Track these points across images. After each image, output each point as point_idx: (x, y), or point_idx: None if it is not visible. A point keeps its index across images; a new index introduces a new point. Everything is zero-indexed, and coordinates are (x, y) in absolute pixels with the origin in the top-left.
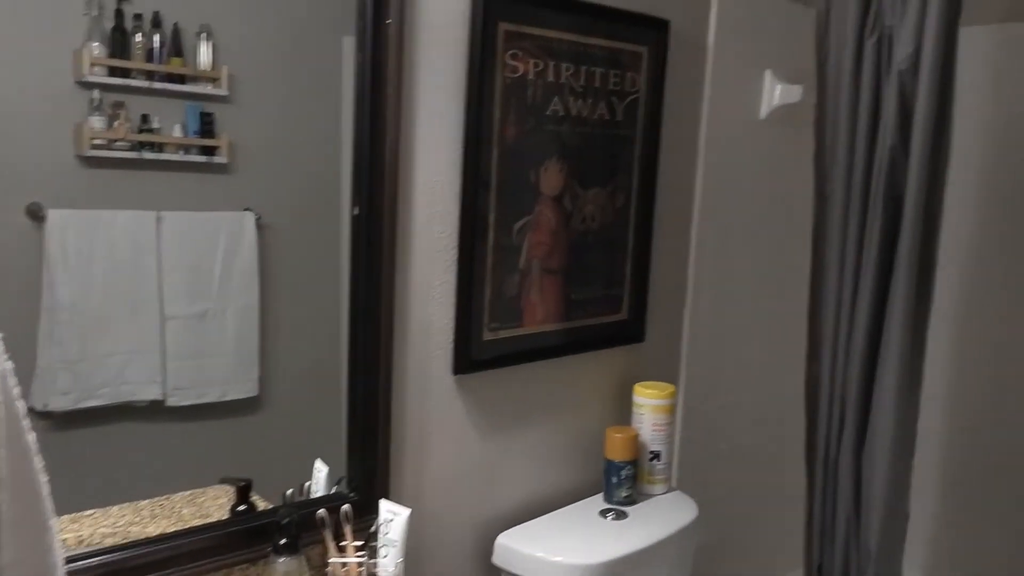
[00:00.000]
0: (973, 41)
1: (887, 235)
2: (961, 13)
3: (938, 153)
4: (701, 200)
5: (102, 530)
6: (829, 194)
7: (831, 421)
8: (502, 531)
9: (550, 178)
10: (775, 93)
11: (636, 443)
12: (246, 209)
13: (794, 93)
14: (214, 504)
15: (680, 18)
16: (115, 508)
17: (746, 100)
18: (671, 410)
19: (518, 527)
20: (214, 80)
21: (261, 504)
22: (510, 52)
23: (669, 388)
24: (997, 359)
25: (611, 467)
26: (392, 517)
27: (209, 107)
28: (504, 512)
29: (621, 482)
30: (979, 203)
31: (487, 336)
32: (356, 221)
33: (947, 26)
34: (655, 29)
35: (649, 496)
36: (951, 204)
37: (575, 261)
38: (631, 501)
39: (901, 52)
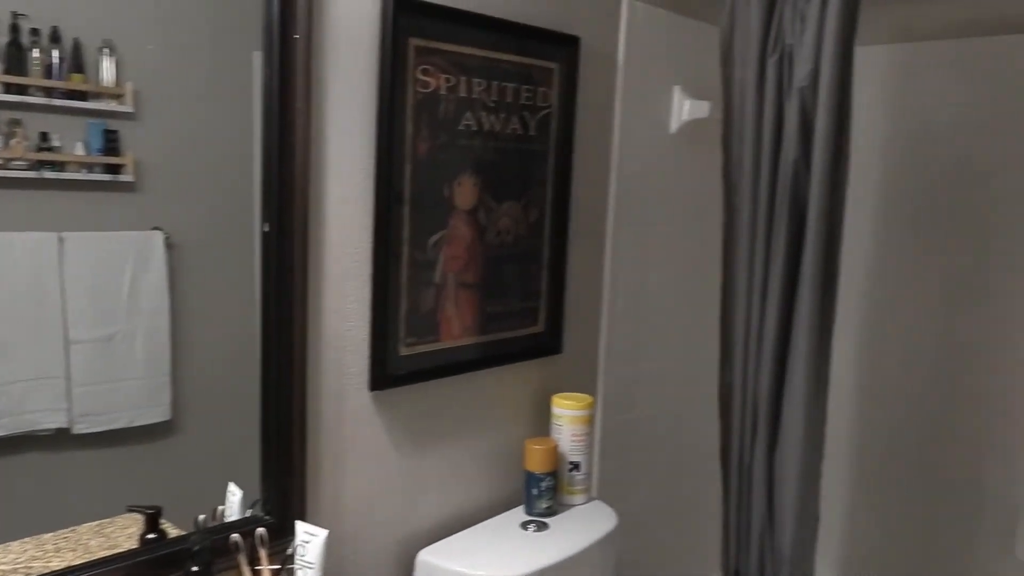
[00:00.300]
0: (869, 60)
1: (792, 245)
2: (856, 33)
3: (838, 166)
4: (615, 213)
5: (1, 567)
6: (737, 206)
7: (744, 427)
8: (423, 548)
9: (464, 192)
10: (684, 108)
11: (555, 454)
12: (154, 228)
13: (702, 109)
14: (123, 534)
15: (590, 35)
16: (16, 543)
17: (656, 115)
18: (589, 421)
19: (439, 543)
20: (118, 97)
21: (173, 531)
22: (421, 67)
23: (587, 399)
24: (900, 361)
25: (531, 479)
26: (309, 539)
27: (113, 124)
28: (425, 528)
29: (541, 494)
30: (878, 213)
31: (404, 351)
32: (266, 238)
33: (843, 45)
34: (565, 45)
35: (569, 507)
36: (852, 214)
37: (491, 275)
38: (552, 512)
39: (801, 70)
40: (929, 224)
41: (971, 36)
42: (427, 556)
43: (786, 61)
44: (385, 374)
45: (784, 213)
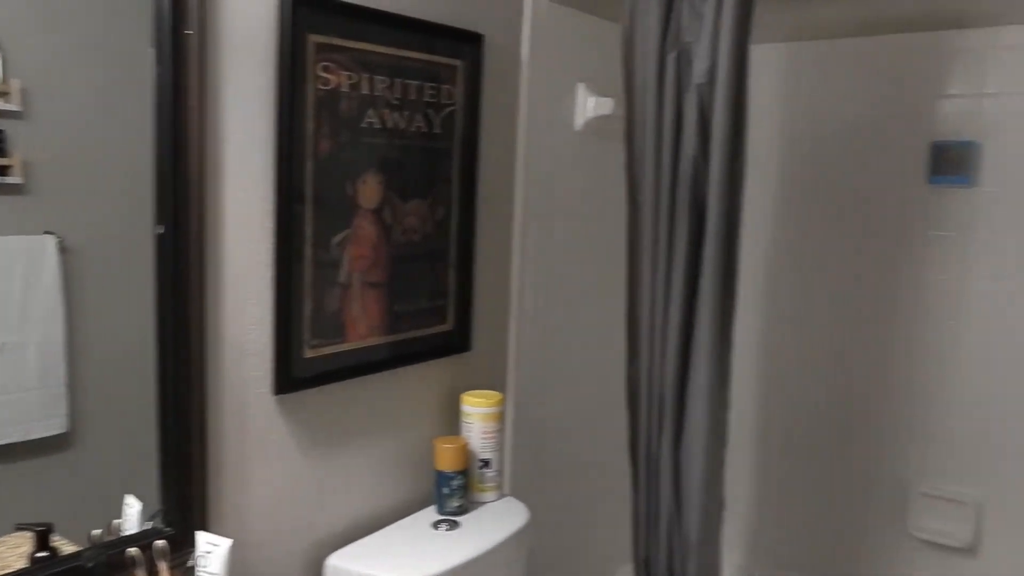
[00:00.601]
0: (766, 58)
1: (693, 239)
2: (751, 31)
3: (736, 162)
4: (522, 209)
5: None
6: (640, 202)
7: (651, 419)
8: (333, 552)
9: (368, 191)
10: (589, 105)
11: (465, 452)
12: (46, 232)
13: (606, 106)
14: (13, 553)
15: (494, 32)
16: None
17: (562, 112)
18: (499, 418)
19: (349, 547)
20: (4, 95)
21: (67, 548)
22: (321, 64)
23: (496, 396)
24: (798, 352)
25: (441, 478)
26: (211, 549)
27: None
28: (335, 532)
29: (452, 492)
30: (776, 209)
31: (309, 353)
32: (161, 240)
33: (739, 42)
34: (469, 43)
35: (481, 504)
36: (752, 210)
37: (397, 274)
38: (463, 510)
39: (699, 67)
40: (824, 220)
41: (863, 35)
42: (336, 561)
43: (684, 58)
44: (290, 377)
45: (685, 209)
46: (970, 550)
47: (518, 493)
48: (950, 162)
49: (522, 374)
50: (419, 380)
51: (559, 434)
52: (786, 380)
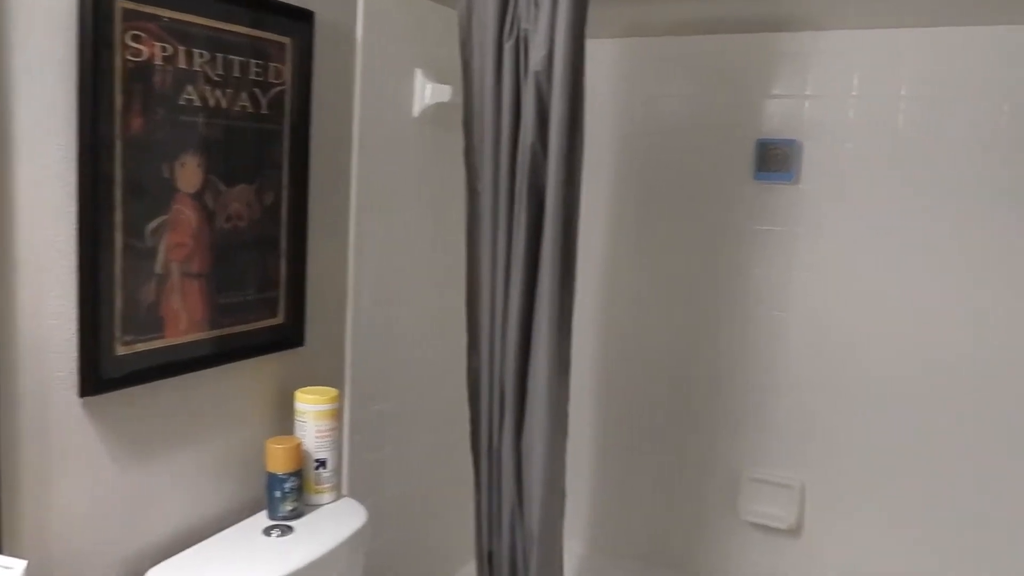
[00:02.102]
0: (602, 52)
1: (532, 228)
2: (586, 19)
3: (573, 151)
4: (358, 197)
5: None
6: (479, 191)
7: (492, 411)
8: (152, 567)
9: (187, 174)
10: (426, 92)
11: (299, 452)
12: None
13: (444, 92)
14: None
15: (326, 10)
16: None
17: (399, 97)
18: (336, 415)
19: (171, 560)
20: None
21: None
22: (131, 33)
23: (332, 392)
24: (636, 342)
25: (273, 481)
26: (4, 573)
27: None
28: (155, 545)
29: (285, 495)
30: (612, 200)
31: (121, 351)
32: None
33: (575, 32)
34: (299, 20)
35: (317, 506)
36: (589, 200)
37: (222, 264)
38: (297, 514)
39: (536, 55)
40: (659, 213)
41: (697, 34)
42: (157, 575)
43: (522, 46)
44: (98, 377)
45: (524, 198)
46: (794, 531)
47: (357, 493)
48: (774, 159)
49: (359, 369)
50: (248, 377)
51: (399, 430)
52: (622, 370)
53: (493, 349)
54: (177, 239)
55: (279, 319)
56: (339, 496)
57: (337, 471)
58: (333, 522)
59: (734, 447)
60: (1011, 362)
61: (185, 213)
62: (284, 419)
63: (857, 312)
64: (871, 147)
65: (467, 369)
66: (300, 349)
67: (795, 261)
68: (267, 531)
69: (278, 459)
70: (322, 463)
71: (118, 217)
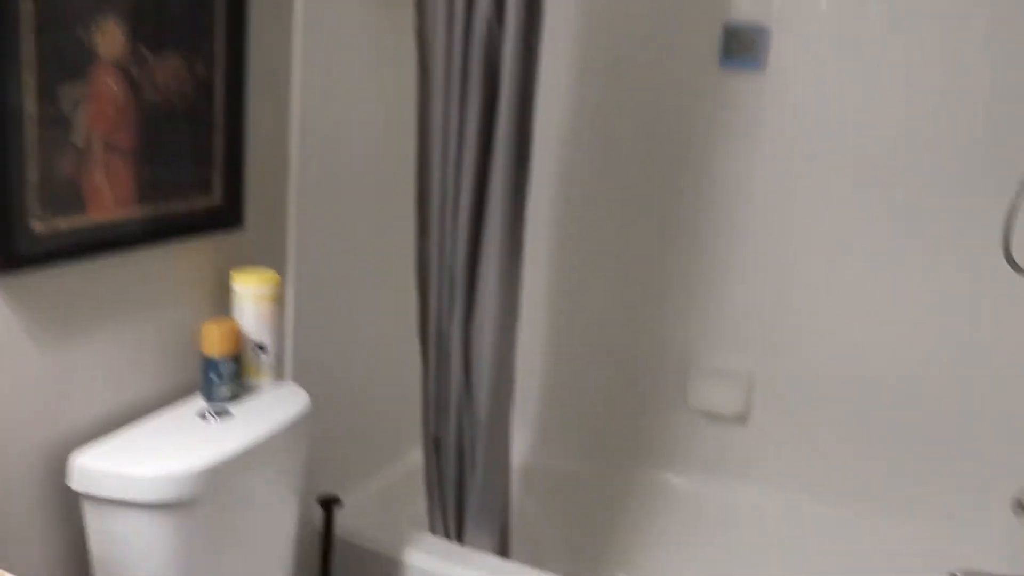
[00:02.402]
0: None
1: (486, 108)
2: None
3: (532, 24)
4: (301, 70)
5: None
6: (432, 69)
7: (441, 296)
8: (78, 450)
9: (108, 39)
10: None
11: (236, 335)
12: None
13: None
14: None
15: None
16: None
17: None
18: (276, 298)
19: (99, 443)
20: None
21: None
22: None
23: (272, 275)
24: (593, 229)
25: (210, 364)
26: None
27: None
28: (82, 429)
29: (222, 379)
30: (571, 86)
31: (38, 227)
32: None
33: None
34: None
35: (257, 391)
36: (545, 86)
37: (150, 138)
38: (235, 398)
39: None
40: (619, 101)
41: None
42: (84, 459)
43: None
44: (13, 255)
45: (478, 76)
46: (741, 418)
47: (301, 379)
48: (741, 45)
49: (304, 253)
50: (183, 259)
51: (346, 315)
52: (576, 259)
53: (444, 234)
54: (99, 109)
55: (215, 199)
56: (280, 381)
57: (279, 356)
58: (273, 407)
59: (685, 336)
60: (956, 241)
61: (107, 82)
62: (223, 304)
63: (815, 205)
64: (842, 36)
65: (417, 254)
66: (239, 231)
67: (757, 152)
68: (203, 415)
69: (214, 341)
70: (262, 347)
71: (30, 80)
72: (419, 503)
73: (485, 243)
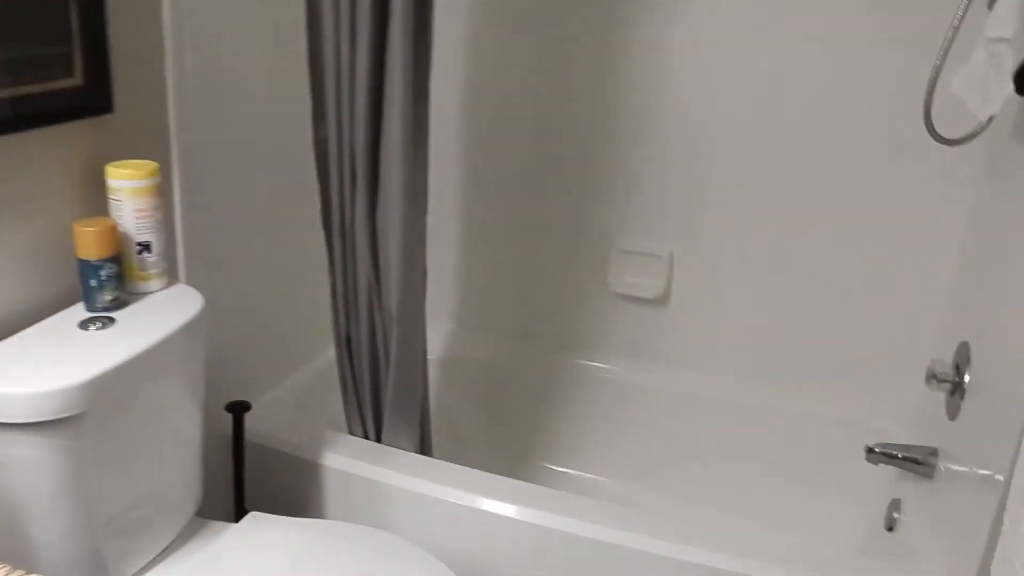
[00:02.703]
0: None
1: None
2: None
3: None
4: None
5: None
6: None
7: (343, 186)
8: None
9: None
10: None
11: (115, 235)
12: None
13: None
14: None
15: None
16: None
17: None
18: (157, 191)
19: None
20: None
21: None
22: None
23: (150, 166)
24: (500, 105)
25: (87, 268)
26: None
27: None
28: None
29: (103, 284)
30: None
31: None
32: None
33: None
34: None
35: (144, 295)
36: None
37: None
38: (120, 304)
39: None
40: None
41: None
42: None
43: None
44: None
45: None
46: (661, 300)
47: (196, 281)
48: None
49: (188, 140)
50: (43, 150)
51: (241, 209)
52: (487, 139)
53: (341, 117)
54: None
55: (77, 80)
56: (171, 283)
57: (166, 256)
58: (164, 311)
59: (603, 219)
60: (864, 124)
61: None
62: (97, 200)
63: (734, 81)
64: None
65: (313, 140)
66: (109, 116)
67: (676, 25)
68: (84, 324)
69: (89, 243)
70: (146, 247)
71: None
72: (335, 404)
73: (386, 126)
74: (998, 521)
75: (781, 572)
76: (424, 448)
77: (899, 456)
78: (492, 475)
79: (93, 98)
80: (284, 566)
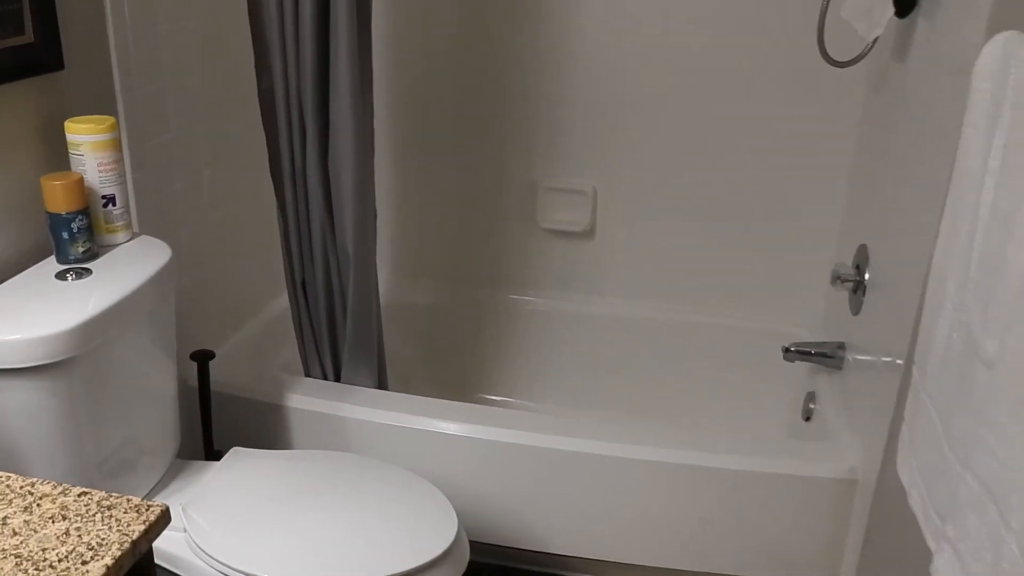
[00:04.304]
0: None
1: None
2: None
3: None
4: None
5: None
6: None
7: (292, 132)
8: None
9: None
10: None
11: (82, 188)
12: None
13: None
14: None
15: None
16: None
17: None
18: (116, 145)
19: None
20: None
21: None
22: None
23: (108, 120)
24: (426, 52)
25: (58, 221)
26: None
27: None
28: None
29: (74, 236)
30: None
31: None
32: None
33: None
34: None
35: (113, 246)
36: None
37: None
38: (92, 256)
39: None
40: None
41: None
42: None
43: None
44: None
45: None
46: (588, 233)
47: (153, 230)
48: None
49: (134, 96)
50: (2, 108)
51: (189, 160)
52: (412, 86)
53: (287, 66)
54: None
55: (27, 37)
56: (134, 235)
57: (127, 208)
58: (136, 261)
59: (528, 160)
60: (760, 55)
61: None
62: (57, 155)
63: (639, 23)
64: None
65: (258, 91)
66: (60, 73)
67: None
68: (61, 275)
69: (58, 197)
70: (110, 199)
71: None
72: (289, 349)
73: (334, 70)
74: (901, 400)
75: (716, 460)
76: (382, 383)
77: (812, 352)
78: (448, 401)
79: (44, 55)
80: (277, 490)
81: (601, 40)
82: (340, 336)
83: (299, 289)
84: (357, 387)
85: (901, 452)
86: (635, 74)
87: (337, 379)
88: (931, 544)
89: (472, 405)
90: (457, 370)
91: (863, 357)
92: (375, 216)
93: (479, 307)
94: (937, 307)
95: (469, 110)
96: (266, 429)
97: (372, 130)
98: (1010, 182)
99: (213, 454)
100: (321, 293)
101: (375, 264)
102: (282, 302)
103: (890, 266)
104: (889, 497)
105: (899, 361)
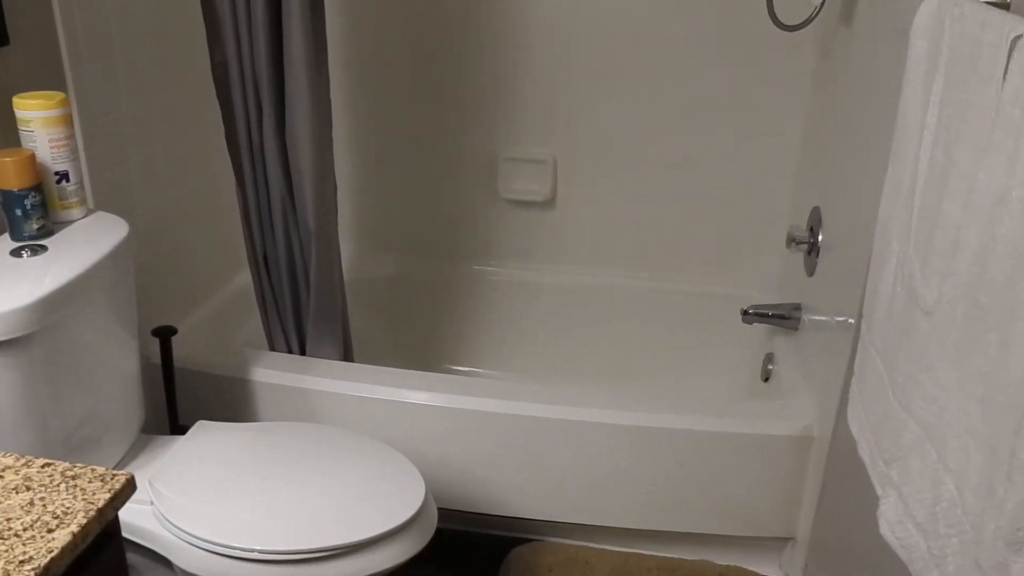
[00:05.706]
0: None
1: None
2: None
3: None
4: None
5: None
6: None
7: (247, 106)
8: None
9: None
10: None
11: (34, 164)
12: None
13: None
14: None
15: None
16: None
17: None
18: (67, 121)
19: None
20: None
21: None
22: None
23: (58, 96)
24: (385, 24)
25: (11, 198)
26: None
27: None
28: None
29: (28, 213)
30: None
31: None
32: None
33: None
34: None
35: (68, 223)
36: None
37: None
38: (47, 232)
39: None
40: None
41: None
42: None
43: None
44: None
45: None
46: (548, 203)
47: (109, 206)
48: None
49: (83, 71)
50: None
51: (142, 136)
52: (370, 58)
53: (240, 39)
54: None
55: None
56: (90, 211)
57: (81, 184)
58: (92, 237)
59: (488, 131)
60: (712, 22)
61: None
62: (5, 132)
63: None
64: None
65: (211, 65)
66: (6, 49)
67: None
68: (16, 252)
69: (9, 174)
70: (64, 176)
71: None
72: (252, 324)
73: (287, 42)
74: (853, 357)
75: (677, 421)
76: (347, 355)
77: (769, 314)
78: (412, 371)
79: None
80: (244, 460)
81: (556, 9)
82: (304, 309)
83: (261, 263)
84: (322, 360)
85: (851, 404)
86: (590, 43)
87: (302, 352)
88: (878, 490)
89: (436, 374)
90: (422, 341)
91: (818, 317)
92: (335, 189)
93: (442, 278)
94: (882, 261)
95: (427, 81)
96: (232, 404)
97: (329, 101)
98: (945, 136)
99: (179, 429)
100: (283, 267)
101: (337, 236)
102: (244, 277)
103: (842, 227)
104: (842, 450)
105: (851, 320)
